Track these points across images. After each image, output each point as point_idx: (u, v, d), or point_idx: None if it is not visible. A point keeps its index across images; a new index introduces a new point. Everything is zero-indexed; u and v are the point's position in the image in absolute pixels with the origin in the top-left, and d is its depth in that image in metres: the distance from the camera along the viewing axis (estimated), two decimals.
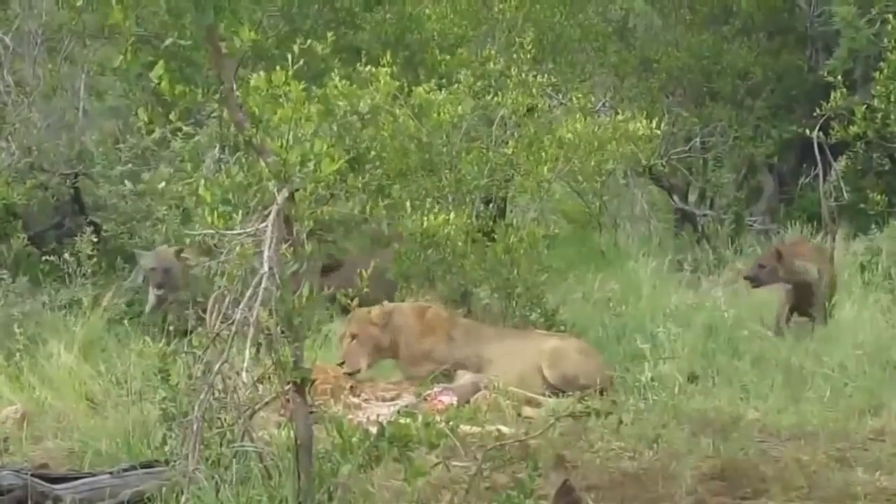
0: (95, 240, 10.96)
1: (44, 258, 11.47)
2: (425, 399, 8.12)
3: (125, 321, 9.68)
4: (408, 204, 9.24)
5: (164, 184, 9.98)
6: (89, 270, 10.61)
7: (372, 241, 10.92)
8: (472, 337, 8.83)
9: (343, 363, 8.61)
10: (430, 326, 8.83)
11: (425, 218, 9.00)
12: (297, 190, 5.24)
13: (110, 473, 6.03)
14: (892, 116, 10.55)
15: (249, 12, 12.11)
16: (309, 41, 5.54)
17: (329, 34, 6.21)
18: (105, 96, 14.34)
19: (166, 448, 5.94)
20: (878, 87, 10.63)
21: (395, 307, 8.94)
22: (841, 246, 12.07)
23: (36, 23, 13.56)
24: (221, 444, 5.58)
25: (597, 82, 15.96)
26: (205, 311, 5.59)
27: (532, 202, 10.08)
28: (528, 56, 10.31)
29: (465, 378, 8.48)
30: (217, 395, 5.54)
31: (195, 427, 5.46)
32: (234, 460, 5.55)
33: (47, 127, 13.13)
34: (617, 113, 10.47)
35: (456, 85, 9.93)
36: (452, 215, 9.06)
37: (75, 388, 8.29)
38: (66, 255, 10.64)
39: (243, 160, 5.42)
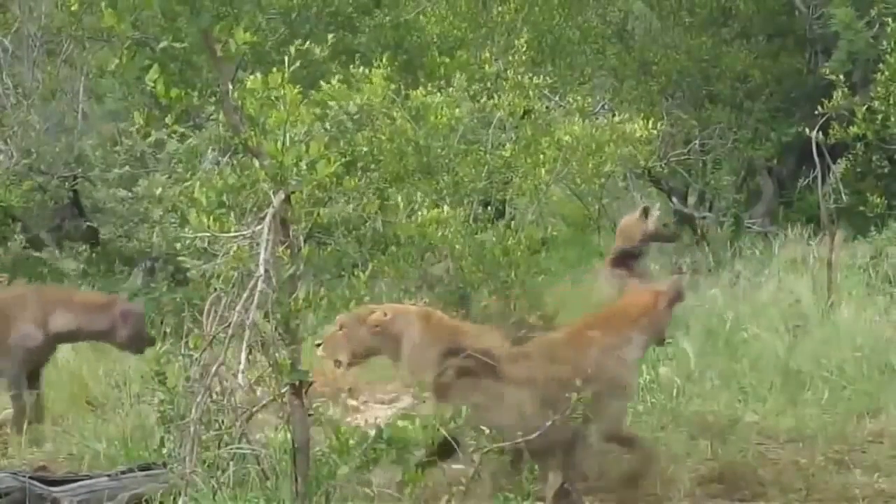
0: (94, 242, 10.98)
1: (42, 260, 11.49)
2: (424, 402, 8.09)
3: None
4: (401, 205, 9.21)
5: (160, 190, 9.96)
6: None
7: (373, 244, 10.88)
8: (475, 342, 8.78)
9: (320, 344, 8.48)
10: (435, 335, 8.77)
11: (419, 213, 8.98)
12: (293, 192, 5.24)
13: (108, 476, 6.03)
14: (892, 118, 10.54)
15: (250, 16, 12.13)
16: (307, 43, 5.54)
17: (328, 37, 6.22)
18: (104, 99, 14.36)
19: (164, 450, 5.93)
20: (878, 89, 10.62)
21: (397, 314, 8.86)
22: (840, 248, 12.05)
23: (35, 26, 13.59)
24: (219, 447, 5.58)
25: (596, 84, 15.98)
26: (201, 313, 5.59)
27: (530, 204, 10.07)
28: (524, 58, 10.31)
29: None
30: (214, 397, 5.54)
31: (192, 429, 5.46)
32: (231, 463, 5.54)
33: (46, 130, 13.16)
34: (614, 115, 10.46)
35: (451, 88, 9.93)
36: (447, 209, 9.05)
37: (74, 390, 8.30)
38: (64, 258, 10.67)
39: (236, 162, 5.43)
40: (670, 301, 6.78)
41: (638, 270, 11.19)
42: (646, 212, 11.34)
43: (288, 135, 5.14)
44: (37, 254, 12.20)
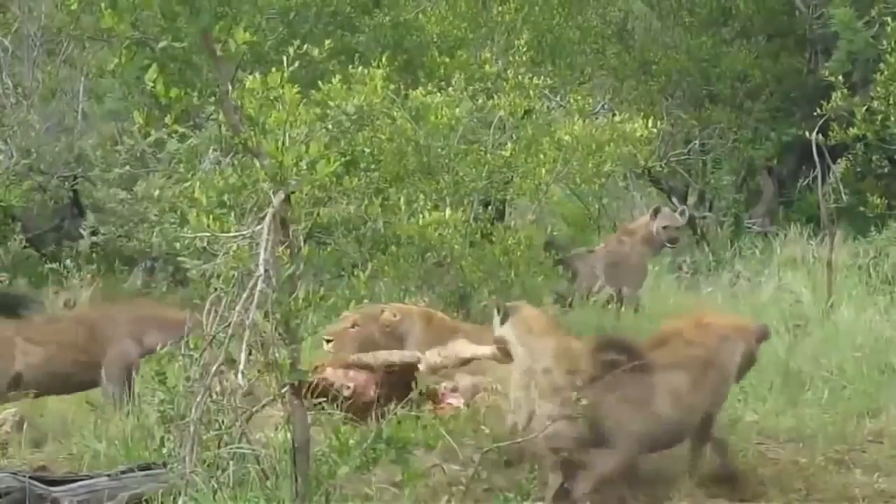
0: (93, 242, 10.99)
1: (42, 260, 11.50)
2: (430, 398, 8.08)
3: None
4: (403, 206, 9.23)
5: (158, 191, 9.95)
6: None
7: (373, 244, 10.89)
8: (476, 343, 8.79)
9: (330, 340, 8.48)
10: (436, 335, 8.77)
11: (421, 215, 8.98)
12: (293, 192, 5.24)
13: (108, 476, 6.03)
14: (892, 118, 10.54)
15: (249, 16, 12.12)
16: (306, 45, 5.55)
17: (327, 38, 6.22)
18: (104, 99, 14.36)
19: (164, 450, 5.94)
20: (877, 89, 10.62)
21: (404, 315, 8.87)
22: (840, 248, 12.05)
23: (35, 26, 13.60)
24: (219, 447, 5.58)
25: (596, 84, 15.99)
26: (201, 313, 5.59)
27: (531, 204, 10.08)
28: (524, 58, 10.32)
29: (465, 380, 8.46)
30: (214, 397, 5.54)
31: (192, 429, 5.47)
32: (231, 462, 5.55)
33: (46, 130, 13.17)
34: (614, 115, 10.47)
35: (451, 88, 9.93)
36: (448, 211, 9.05)
37: None
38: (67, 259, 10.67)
39: (236, 162, 5.43)
40: (758, 339, 6.89)
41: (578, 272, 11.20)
42: (655, 213, 11.37)
43: (288, 135, 5.15)
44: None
